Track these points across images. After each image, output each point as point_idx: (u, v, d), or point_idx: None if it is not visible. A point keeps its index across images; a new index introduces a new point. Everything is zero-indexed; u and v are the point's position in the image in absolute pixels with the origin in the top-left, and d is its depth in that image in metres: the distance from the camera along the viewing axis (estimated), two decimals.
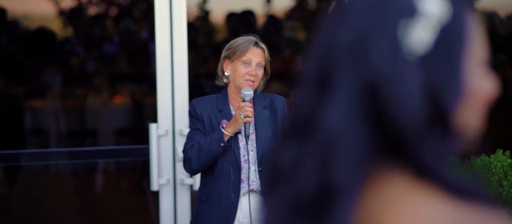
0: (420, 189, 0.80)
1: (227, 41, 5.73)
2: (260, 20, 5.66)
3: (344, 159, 0.78)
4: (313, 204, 0.79)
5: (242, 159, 3.36)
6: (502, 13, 5.70)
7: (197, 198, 3.49)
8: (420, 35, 0.80)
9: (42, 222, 5.25)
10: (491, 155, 3.68)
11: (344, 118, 0.78)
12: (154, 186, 4.08)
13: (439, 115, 0.79)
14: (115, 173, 5.71)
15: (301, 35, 5.94)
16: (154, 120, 4.11)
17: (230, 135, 3.31)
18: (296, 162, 0.81)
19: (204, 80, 5.55)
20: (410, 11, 0.81)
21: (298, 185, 0.80)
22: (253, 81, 3.37)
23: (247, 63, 3.38)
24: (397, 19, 0.81)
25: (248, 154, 3.36)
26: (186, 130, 4.05)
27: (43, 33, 5.31)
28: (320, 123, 0.80)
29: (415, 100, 0.78)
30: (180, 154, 4.06)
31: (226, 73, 3.43)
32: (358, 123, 0.78)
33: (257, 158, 3.37)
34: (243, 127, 3.33)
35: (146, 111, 5.50)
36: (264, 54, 3.43)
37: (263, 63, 3.42)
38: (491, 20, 5.58)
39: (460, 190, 0.79)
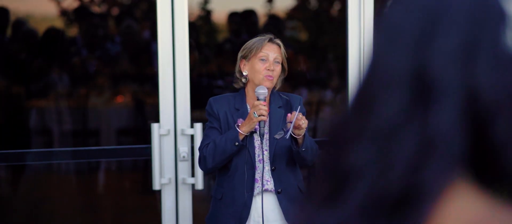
0: (490, 200, 0.80)
1: (229, 40, 5.76)
2: (262, 20, 5.67)
3: (439, 163, 0.78)
4: (393, 206, 0.78)
5: (257, 159, 3.35)
6: None
7: (212, 197, 3.49)
8: None
9: (46, 221, 5.27)
10: None
11: (447, 123, 0.78)
12: (156, 186, 4.09)
13: None
14: (117, 173, 5.72)
15: (302, 35, 5.95)
16: (156, 119, 4.12)
17: (245, 134, 3.30)
18: (374, 164, 0.79)
19: (206, 80, 5.56)
20: (505, 17, 0.80)
21: (378, 187, 0.79)
22: (272, 77, 3.37)
23: (264, 59, 3.38)
24: (498, 26, 0.80)
25: (263, 153, 3.35)
26: (188, 130, 4.07)
27: (51, 33, 5.32)
28: (415, 127, 0.78)
29: None
30: (182, 153, 4.07)
31: (244, 73, 3.43)
32: (459, 131, 0.78)
33: (270, 157, 3.37)
34: (258, 126, 3.33)
35: (148, 110, 5.51)
36: (280, 50, 3.43)
37: (280, 59, 3.41)
38: None
39: None
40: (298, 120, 3.23)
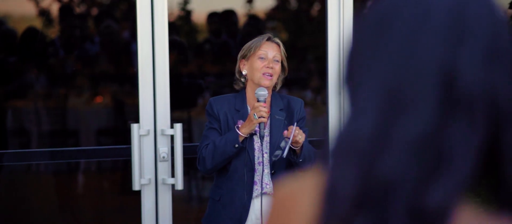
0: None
1: (208, 41, 5.75)
2: (241, 20, 5.67)
3: (453, 180, 0.76)
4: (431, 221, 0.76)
5: (256, 161, 3.33)
6: None
7: (210, 198, 3.47)
8: None
9: (24, 222, 5.23)
10: None
11: (465, 142, 0.77)
12: (136, 186, 4.08)
13: None
14: (97, 173, 5.70)
15: (282, 36, 5.96)
16: (136, 120, 4.11)
17: (245, 136, 3.27)
18: (409, 176, 0.77)
19: (186, 80, 5.55)
20: None
21: (417, 200, 0.77)
22: (271, 74, 3.33)
23: (264, 57, 3.36)
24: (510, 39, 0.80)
25: (263, 156, 3.33)
26: (168, 130, 4.06)
27: (29, 33, 5.29)
28: (444, 142, 0.77)
29: None
30: (162, 154, 4.06)
31: (243, 73, 3.40)
32: (475, 152, 0.77)
33: (270, 161, 3.33)
34: (258, 128, 3.30)
35: (128, 111, 5.50)
36: (280, 48, 3.41)
37: (279, 57, 3.38)
38: None
39: None
40: (295, 136, 3.20)
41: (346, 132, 0.81)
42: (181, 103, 5.37)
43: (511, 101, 0.78)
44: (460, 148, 0.77)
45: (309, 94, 5.64)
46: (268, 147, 3.34)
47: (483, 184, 0.81)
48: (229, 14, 5.63)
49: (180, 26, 5.78)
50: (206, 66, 5.78)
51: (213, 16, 5.67)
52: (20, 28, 5.34)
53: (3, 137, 5.29)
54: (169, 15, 4.13)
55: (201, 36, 5.90)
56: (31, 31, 5.32)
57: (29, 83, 5.35)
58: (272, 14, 5.82)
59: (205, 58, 5.79)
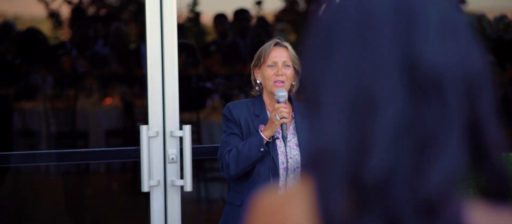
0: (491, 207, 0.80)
1: (216, 42, 5.75)
2: (250, 22, 5.67)
3: (443, 170, 0.76)
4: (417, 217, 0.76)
5: (281, 166, 3.30)
6: (491, 15, 5.73)
7: (227, 203, 3.44)
8: None
9: (34, 223, 5.25)
10: None
11: (447, 123, 0.77)
12: (145, 188, 4.08)
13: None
14: (106, 174, 5.71)
15: (291, 37, 5.95)
16: (145, 121, 4.11)
17: (267, 139, 3.25)
18: (404, 172, 0.76)
19: (195, 82, 5.56)
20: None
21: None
22: (282, 81, 3.33)
23: (273, 65, 3.36)
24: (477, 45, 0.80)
25: (287, 161, 3.31)
26: (177, 132, 4.06)
27: (33, 34, 5.30)
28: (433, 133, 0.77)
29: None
30: (171, 155, 4.07)
31: (258, 81, 3.41)
32: (459, 130, 0.77)
33: (300, 167, 3.30)
34: (280, 130, 3.30)
35: (137, 112, 5.50)
36: (288, 52, 3.40)
37: (289, 62, 3.37)
38: (479, 22, 5.61)
39: None
40: None
41: (318, 147, 0.79)
42: (190, 104, 5.37)
43: (478, 70, 0.79)
44: (443, 129, 0.77)
45: None
46: (293, 153, 3.31)
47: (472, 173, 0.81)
48: (242, 13, 5.61)
49: (189, 27, 5.78)
50: (214, 68, 5.78)
51: (220, 17, 5.67)
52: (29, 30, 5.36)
53: (11, 138, 5.31)
54: (178, 17, 4.13)
55: (210, 38, 5.90)
56: (32, 32, 5.33)
57: (38, 85, 5.36)
58: (281, 15, 5.82)
59: (213, 59, 5.79)
